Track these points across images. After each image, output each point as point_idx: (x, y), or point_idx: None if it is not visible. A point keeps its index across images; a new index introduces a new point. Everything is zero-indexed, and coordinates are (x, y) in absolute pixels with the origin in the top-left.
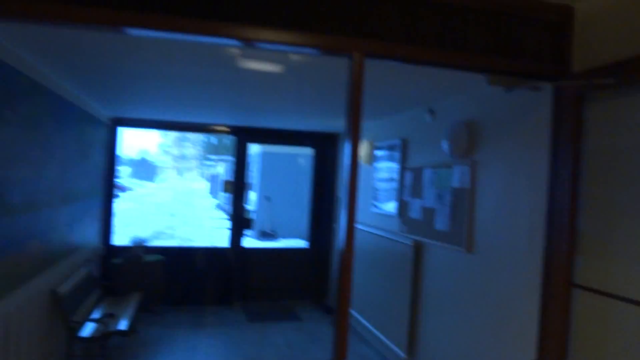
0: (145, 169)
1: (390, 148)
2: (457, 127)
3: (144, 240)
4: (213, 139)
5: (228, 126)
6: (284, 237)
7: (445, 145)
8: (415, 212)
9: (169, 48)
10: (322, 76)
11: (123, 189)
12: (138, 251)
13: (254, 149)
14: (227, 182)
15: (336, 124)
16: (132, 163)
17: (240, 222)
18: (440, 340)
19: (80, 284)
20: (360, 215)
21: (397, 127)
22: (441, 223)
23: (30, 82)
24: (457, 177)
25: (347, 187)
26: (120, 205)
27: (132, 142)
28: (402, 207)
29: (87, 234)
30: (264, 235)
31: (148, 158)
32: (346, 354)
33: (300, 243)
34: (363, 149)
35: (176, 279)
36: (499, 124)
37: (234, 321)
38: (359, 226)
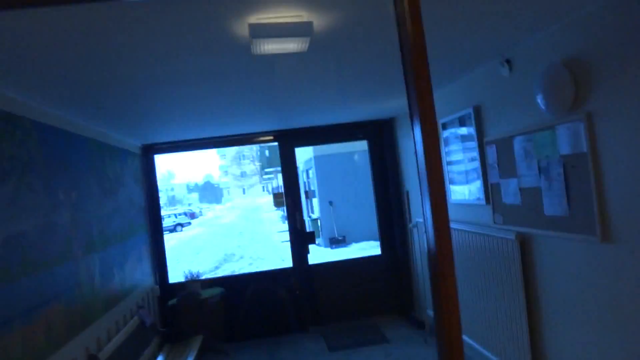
0: (211, 192)
1: (461, 121)
2: (553, 71)
3: (198, 275)
4: (266, 151)
5: (270, 132)
6: (355, 240)
7: (540, 100)
8: (510, 196)
9: (173, 45)
10: (360, 46)
11: (193, 215)
12: (194, 287)
13: (307, 155)
14: (276, 195)
15: (390, 106)
16: (199, 188)
17: (300, 237)
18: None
19: (129, 339)
20: None
21: (464, 93)
22: (553, 206)
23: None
24: (566, 140)
25: (427, 174)
26: (191, 232)
27: (195, 168)
28: (491, 191)
29: (133, 278)
30: (334, 242)
31: (212, 181)
32: None
33: (373, 245)
34: None
35: (241, 311)
36: (625, 51)
37: (313, 351)
38: None
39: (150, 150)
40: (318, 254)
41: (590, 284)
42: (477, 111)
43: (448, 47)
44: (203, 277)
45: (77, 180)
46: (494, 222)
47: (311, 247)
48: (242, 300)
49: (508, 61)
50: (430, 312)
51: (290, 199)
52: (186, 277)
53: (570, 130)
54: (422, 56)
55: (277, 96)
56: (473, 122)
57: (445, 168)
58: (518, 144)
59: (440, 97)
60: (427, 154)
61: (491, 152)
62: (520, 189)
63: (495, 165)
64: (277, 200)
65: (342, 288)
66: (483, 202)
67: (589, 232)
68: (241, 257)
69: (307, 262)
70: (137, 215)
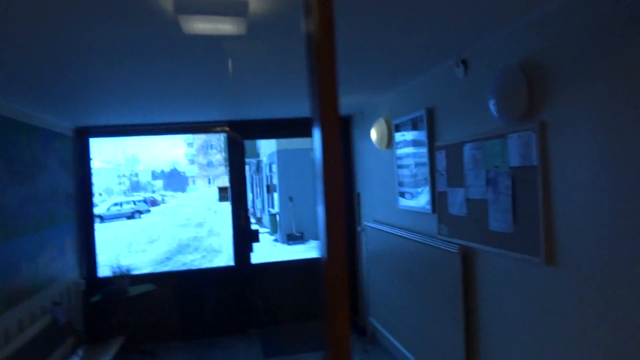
0: (176, 180)
1: (413, 124)
2: (508, 75)
3: (128, 269)
4: None
5: (223, 122)
6: (313, 238)
7: (492, 106)
8: (456, 207)
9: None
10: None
11: (155, 202)
12: (121, 283)
13: (271, 148)
14: (222, 189)
15: (345, 103)
16: (164, 175)
17: (243, 235)
18: None
19: (35, 340)
20: (384, 213)
21: (418, 94)
22: (498, 221)
23: None
24: (516, 150)
25: (323, 178)
26: (150, 220)
27: (161, 154)
28: (438, 200)
29: (50, 272)
30: (291, 238)
31: (178, 169)
32: None
33: None
34: (376, 131)
35: (176, 310)
36: (584, 57)
37: (246, 355)
38: (383, 228)
39: (85, 133)
40: (274, 250)
41: (531, 307)
42: (430, 114)
43: (402, 45)
44: (136, 272)
45: None
46: (439, 233)
47: (267, 242)
48: (175, 298)
49: (464, 62)
50: (373, 320)
51: (235, 194)
52: (114, 272)
53: (521, 140)
54: (328, 51)
55: (221, 83)
56: (425, 125)
57: (396, 172)
58: (468, 152)
59: (395, 98)
60: (324, 158)
61: (441, 158)
62: (467, 200)
63: (444, 172)
64: (222, 195)
65: (286, 290)
66: (429, 210)
67: (532, 252)
68: (195, 249)
69: (250, 261)
70: (62, 203)
